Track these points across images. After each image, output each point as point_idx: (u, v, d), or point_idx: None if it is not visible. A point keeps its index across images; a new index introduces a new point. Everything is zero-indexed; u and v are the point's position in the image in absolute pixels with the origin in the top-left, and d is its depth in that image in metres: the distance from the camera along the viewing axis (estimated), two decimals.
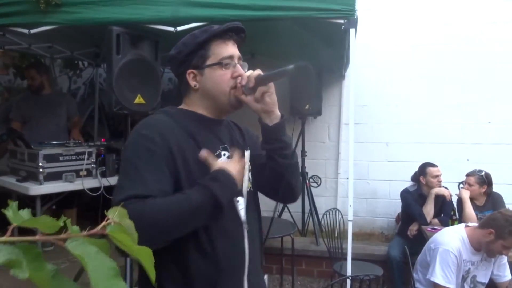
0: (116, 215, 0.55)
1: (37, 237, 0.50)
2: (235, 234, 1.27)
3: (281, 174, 1.34)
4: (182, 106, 1.36)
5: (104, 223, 0.54)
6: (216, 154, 1.27)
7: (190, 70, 1.29)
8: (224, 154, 1.30)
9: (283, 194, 1.40)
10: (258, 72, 1.26)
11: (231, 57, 1.28)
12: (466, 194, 3.72)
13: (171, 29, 2.88)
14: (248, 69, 1.32)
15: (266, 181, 1.38)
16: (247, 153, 1.34)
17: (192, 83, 1.30)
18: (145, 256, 0.53)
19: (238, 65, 1.30)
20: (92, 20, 2.85)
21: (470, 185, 3.78)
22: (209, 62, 1.28)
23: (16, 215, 0.52)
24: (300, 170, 1.42)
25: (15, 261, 0.46)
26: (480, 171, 3.82)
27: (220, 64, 1.27)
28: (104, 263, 0.50)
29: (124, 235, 0.53)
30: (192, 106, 1.33)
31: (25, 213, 0.53)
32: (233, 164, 1.23)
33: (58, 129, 4.33)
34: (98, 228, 0.53)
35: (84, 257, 0.49)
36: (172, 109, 1.33)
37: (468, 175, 3.87)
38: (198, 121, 1.30)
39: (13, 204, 0.53)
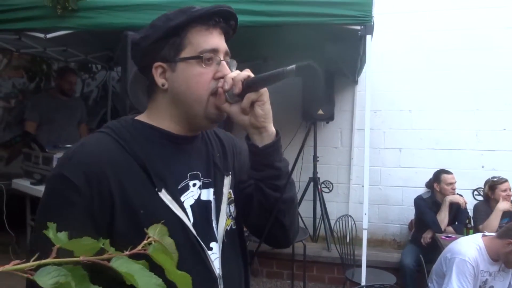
0: (157, 233, 0.54)
1: (81, 258, 0.49)
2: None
3: (269, 211, 0.99)
4: (142, 117, 1.00)
5: (145, 241, 0.53)
6: (179, 187, 0.94)
7: (157, 63, 0.94)
8: (194, 185, 0.97)
9: (272, 236, 1.05)
10: (247, 73, 0.92)
11: (214, 51, 0.93)
12: (504, 206, 3.61)
13: None
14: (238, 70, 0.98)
15: (253, 218, 1.03)
16: (226, 180, 1.03)
17: (160, 80, 0.94)
18: (184, 284, 0.52)
19: (223, 63, 0.94)
20: (108, 25, 2.87)
21: (510, 190, 3.71)
22: (184, 54, 0.92)
23: (56, 236, 0.51)
24: (298, 209, 1.12)
25: (64, 283, 0.45)
26: (502, 177, 3.78)
27: (199, 58, 0.91)
28: (151, 280, 0.50)
29: (165, 257, 0.53)
30: (157, 115, 0.98)
31: (63, 235, 0.52)
32: None
33: (74, 132, 4.47)
34: (139, 247, 0.53)
35: (133, 274, 0.49)
36: (123, 124, 0.96)
37: (503, 181, 3.75)
38: (159, 141, 0.96)
39: (53, 226, 0.52)
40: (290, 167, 1.04)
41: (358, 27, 2.68)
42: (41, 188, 3.35)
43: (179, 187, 0.94)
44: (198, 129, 1.02)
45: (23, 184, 3.57)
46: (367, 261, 3.03)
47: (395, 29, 4.86)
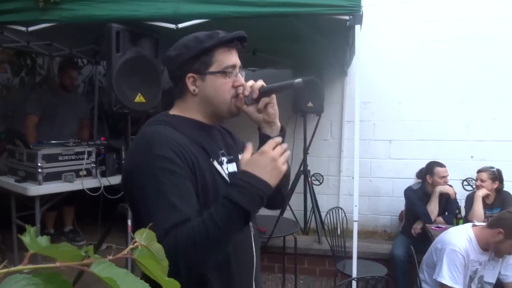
0: (144, 238, 0.50)
1: (57, 264, 0.45)
2: (245, 241, 1.28)
3: None
4: (175, 112, 1.30)
5: (131, 246, 0.50)
6: (219, 160, 1.26)
7: (190, 74, 1.24)
8: (224, 160, 1.30)
9: (273, 203, 1.36)
10: (261, 83, 1.26)
11: (234, 66, 1.26)
12: (481, 193, 3.67)
13: (172, 26, 2.82)
14: (246, 76, 1.30)
15: None
16: (241, 157, 1.33)
17: (191, 87, 1.25)
18: None
19: (239, 74, 1.28)
20: (91, 17, 2.79)
21: (482, 181, 3.73)
22: (212, 69, 1.24)
23: (34, 241, 0.47)
24: (290, 179, 1.42)
25: None
26: (492, 167, 3.79)
27: (224, 72, 1.24)
28: (137, 285, 0.46)
29: (153, 262, 0.49)
30: (188, 111, 1.29)
31: (44, 240, 0.48)
32: (258, 157, 1.13)
33: (77, 128, 4.45)
34: (124, 252, 0.49)
35: (115, 279, 0.44)
36: (168, 118, 1.27)
37: (480, 171, 3.81)
38: (199, 128, 1.27)
39: (31, 230, 0.48)
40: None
41: (347, 17, 2.64)
42: (26, 186, 3.28)
43: (219, 160, 1.26)
44: (221, 120, 1.36)
45: (7, 181, 3.48)
46: (358, 252, 3.02)
47: (384, 21, 4.83)
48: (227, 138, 1.39)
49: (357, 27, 2.65)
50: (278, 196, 1.30)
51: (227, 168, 1.29)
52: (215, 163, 1.23)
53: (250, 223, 1.26)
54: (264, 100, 1.25)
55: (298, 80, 1.18)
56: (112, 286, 0.44)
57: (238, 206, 1.04)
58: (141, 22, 2.84)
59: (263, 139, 1.30)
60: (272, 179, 1.10)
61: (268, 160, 1.11)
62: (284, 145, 1.16)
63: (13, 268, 0.44)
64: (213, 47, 1.23)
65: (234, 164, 1.33)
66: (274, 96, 1.26)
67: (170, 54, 1.27)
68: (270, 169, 1.10)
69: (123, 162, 3.38)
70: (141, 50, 2.91)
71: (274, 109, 1.28)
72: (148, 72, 2.95)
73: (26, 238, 0.48)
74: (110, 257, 0.48)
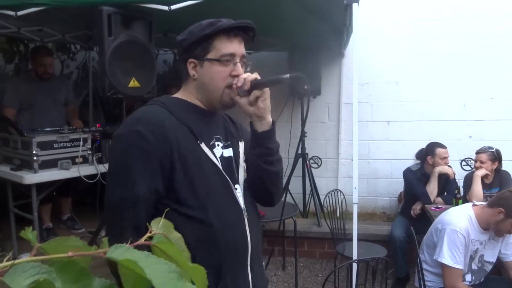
0: (160, 227, 0.48)
1: (69, 254, 0.42)
2: (236, 222, 1.29)
3: (261, 179, 1.36)
4: (179, 95, 1.37)
5: (148, 234, 0.48)
6: (210, 144, 1.30)
7: (191, 59, 1.29)
8: (218, 145, 1.33)
9: (261, 199, 1.43)
10: (255, 75, 1.27)
11: (232, 55, 1.27)
12: (480, 173, 3.66)
13: (164, 7, 2.75)
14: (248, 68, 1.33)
15: (249, 181, 1.39)
16: (241, 144, 1.40)
17: (191, 72, 1.30)
18: (199, 276, 0.46)
19: (238, 64, 1.29)
20: (81, 0, 2.72)
21: (482, 162, 3.72)
22: (209, 56, 1.27)
23: (35, 237, 0.44)
24: (282, 180, 1.48)
25: (44, 282, 0.38)
26: (491, 147, 3.76)
27: (219, 60, 1.27)
28: (161, 266, 0.42)
29: (173, 247, 0.47)
30: (189, 95, 1.34)
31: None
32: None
33: (60, 116, 4.26)
34: (142, 240, 0.47)
35: (137, 261, 0.41)
36: (165, 99, 1.34)
37: (478, 152, 3.80)
38: (193, 111, 1.32)
39: (30, 229, 0.46)
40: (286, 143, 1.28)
41: None
42: (22, 174, 3.24)
43: (210, 144, 1.30)
44: (215, 109, 1.37)
45: (3, 170, 3.43)
46: (358, 234, 3.02)
47: (380, 0, 4.76)
48: (229, 126, 1.42)
49: (354, 5, 2.60)
50: (265, 193, 1.40)
51: (222, 153, 1.32)
52: (203, 145, 1.26)
53: (244, 207, 1.31)
54: (255, 93, 1.26)
55: (285, 76, 1.22)
56: (134, 269, 0.41)
57: None
58: (133, 4, 2.77)
59: (253, 133, 1.33)
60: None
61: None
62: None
63: (21, 260, 0.40)
64: (212, 35, 1.26)
65: (230, 150, 1.36)
66: (266, 91, 1.26)
67: (177, 39, 1.33)
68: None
69: None
70: (134, 33, 2.84)
71: (264, 103, 1.28)
72: (141, 56, 2.89)
73: (29, 235, 0.46)
74: (127, 245, 0.45)
